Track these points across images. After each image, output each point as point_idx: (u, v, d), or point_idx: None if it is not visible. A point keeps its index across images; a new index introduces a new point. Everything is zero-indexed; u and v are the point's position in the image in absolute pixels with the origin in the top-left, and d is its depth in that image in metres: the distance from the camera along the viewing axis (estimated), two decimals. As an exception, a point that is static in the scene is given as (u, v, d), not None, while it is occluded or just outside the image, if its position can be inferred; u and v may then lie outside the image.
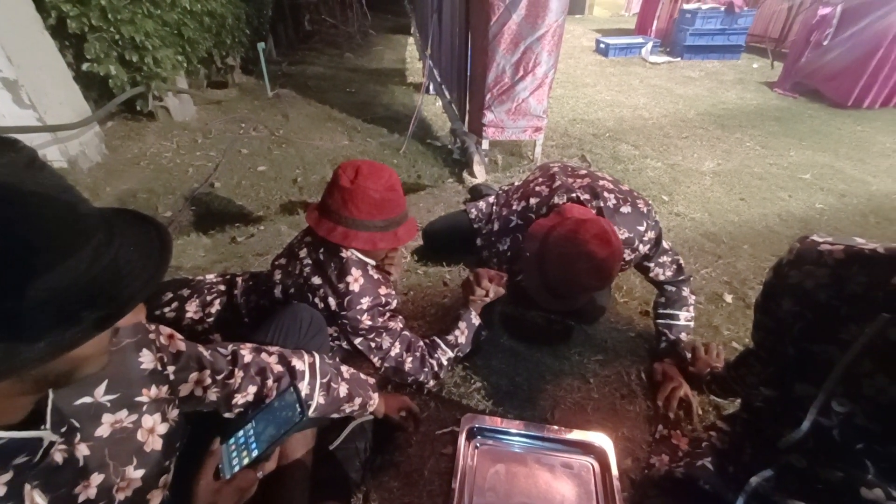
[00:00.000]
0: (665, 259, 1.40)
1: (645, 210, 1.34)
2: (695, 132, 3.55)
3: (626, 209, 1.32)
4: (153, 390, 0.66)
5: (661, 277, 1.43)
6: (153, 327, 0.71)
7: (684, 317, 1.44)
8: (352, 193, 1.08)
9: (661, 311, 1.48)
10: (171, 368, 0.71)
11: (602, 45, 6.27)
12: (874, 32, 3.90)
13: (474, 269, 1.40)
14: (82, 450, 0.56)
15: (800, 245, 0.82)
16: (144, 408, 0.64)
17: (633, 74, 5.28)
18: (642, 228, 1.32)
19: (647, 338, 1.58)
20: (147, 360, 0.66)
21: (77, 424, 0.57)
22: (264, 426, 0.77)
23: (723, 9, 5.64)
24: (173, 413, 0.70)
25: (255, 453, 0.74)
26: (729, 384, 1.20)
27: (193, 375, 0.75)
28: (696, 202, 2.49)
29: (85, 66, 2.78)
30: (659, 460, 1.12)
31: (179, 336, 0.76)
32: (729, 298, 1.77)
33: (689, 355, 1.44)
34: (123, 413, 0.62)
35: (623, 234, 1.30)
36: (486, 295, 1.34)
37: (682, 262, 1.44)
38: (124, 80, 2.96)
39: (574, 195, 1.35)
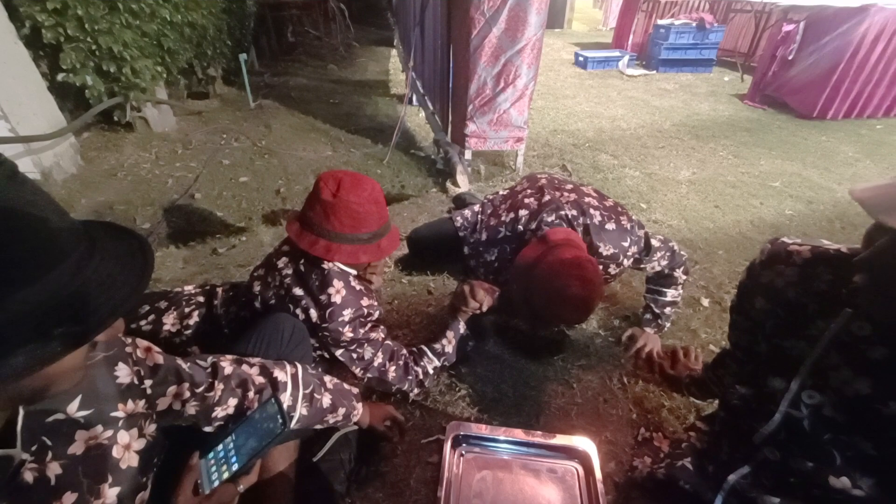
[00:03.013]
0: (658, 255, 1.45)
1: (629, 226, 1.39)
2: (671, 142, 3.66)
3: (610, 226, 1.38)
4: (129, 405, 0.64)
5: (658, 268, 1.49)
6: (129, 340, 0.70)
7: (671, 294, 1.52)
8: (334, 207, 1.07)
9: (650, 286, 1.57)
10: (148, 382, 0.69)
11: (581, 59, 6.44)
12: (835, 48, 4.12)
13: (469, 281, 1.42)
14: (54, 468, 0.55)
15: (770, 246, 0.86)
16: (120, 423, 0.63)
17: (611, 87, 5.44)
18: (626, 244, 1.37)
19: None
20: (123, 374, 0.65)
21: (49, 442, 0.55)
22: (245, 439, 0.76)
23: (694, 24, 5.88)
24: (150, 428, 0.68)
25: (235, 467, 0.73)
26: (707, 385, 1.23)
27: (171, 389, 0.73)
28: (673, 210, 2.56)
29: (60, 77, 2.73)
30: (641, 462, 1.14)
31: (157, 349, 0.74)
32: (706, 302, 1.82)
33: (667, 362, 1.48)
34: (98, 429, 0.60)
35: (608, 251, 1.36)
36: (480, 308, 1.37)
37: (675, 248, 1.48)
38: (101, 91, 2.91)
39: (563, 213, 1.40)
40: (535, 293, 1.22)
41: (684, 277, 1.53)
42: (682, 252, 1.51)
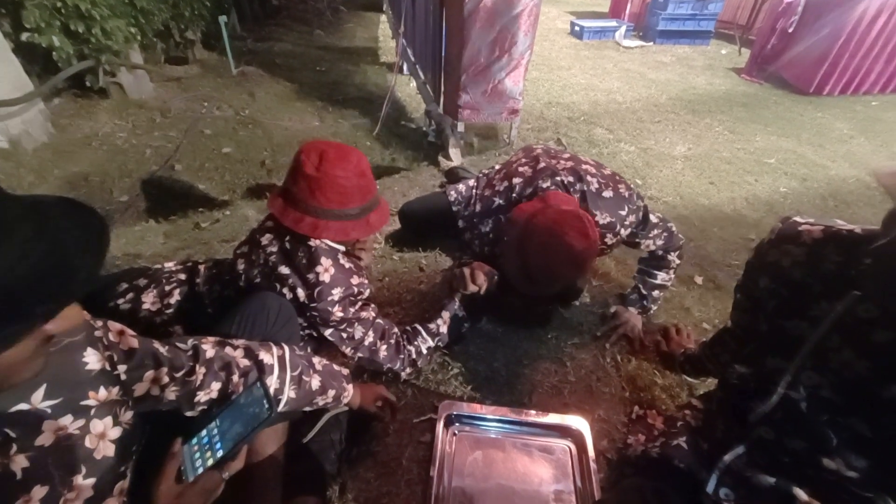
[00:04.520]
0: (655, 232, 1.41)
1: (626, 194, 1.34)
2: (667, 117, 3.60)
3: (608, 193, 1.33)
4: (101, 392, 0.60)
5: (653, 247, 1.45)
6: (100, 323, 0.65)
7: (661, 277, 1.50)
8: (319, 182, 1.00)
9: (641, 266, 1.54)
10: (122, 367, 0.65)
11: (577, 28, 6.24)
12: (837, 21, 4.03)
13: (469, 262, 1.39)
14: (20, 461, 0.51)
15: (781, 225, 0.83)
16: (92, 412, 0.59)
17: (607, 58, 5.30)
18: (623, 213, 1.32)
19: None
20: (93, 360, 0.61)
21: (13, 434, 0.51)
22: (230, 424, 0.72)
23: (694, -7, 5.70)
24: (126, 416, 0.64)
25: (220, 453, 0.69)
26: (702, 364, 1.22)
27: (149, 374, 0.69)
28: (668, 186, 2.53)
29: (24, 37, 2.54)
30: (635, 440, 1.14)
31: (131, 332, 0.69)
32: (699, 280, 1.81)
33: (660, 338, 1.48)
34: (68, 419, 0.56)
35: (605, 219, 1.31)
36: (479, 291, 1.34)
37: (673, 229, 1.45)
38: (70, 53, 2.73)
39: (559, 178, 1.34)
40: (531, 243, 1.17)
41: (678, 262, 1.50)
42: (680, 236, 1.47)
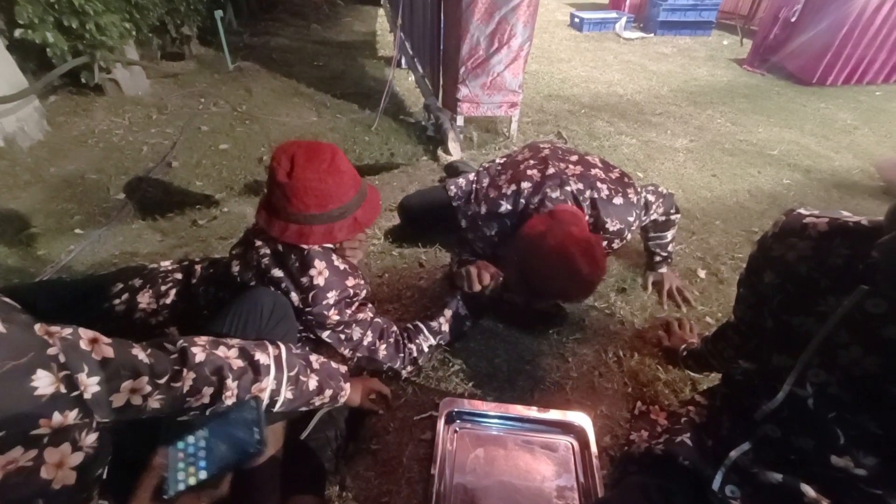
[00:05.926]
0: (654, 206, 1.46)
1: (635, 200, 1.37)
2: (668, 109, 3.56)
3: (618, 200, 1.35)
4: (56, 418, 0.54)
5: (655, 217, 1.51)
6: (69, 331, 0.59)
7: (671, 234, 1.61)
8: (293, 188, 0.97)
9: (650, 235, 1.62)
10: (94, 379, 0.60)
11: (576, 20, 6.17)
12: (840, 10, 3.97)
13: (471, 260, 1.38)
14: None
15: (785, 218, 0.81)
16: (45, 440, 0.53)
17: (608, 50, 5.24)
18: (632, 219, 1.36)
19: (624, 315, 1.59)
20: (44, 383, 0.54)
21: None
22: (217, 440, 0.68)
23: (695, -16, 5.63)
24: (89, 439, 0.58)
25: (203, 474, 0.65)
26: (705, 358, 1.21)
27: (126, 384, 0.64)
28: (670, 178, 2.50)
29: (18, 33, 2.51)
30: (638, 436, 1.12)
31: (105, 340, 0.64)
32: (702, 274, 1.79)
33: (662, 332, 1.47)
34: (17, 451, 0.51)
35: (615, 226, 1.34)
36: (483, 291, 1.34)
37: (664, 191, 1.50)
38: (64, 50, 2.69)
39: (568, 189, 1.35)
40: (541, 265, 1.18)
41: (678, 215, 1.57)
42: (669, 192, 1.52)
